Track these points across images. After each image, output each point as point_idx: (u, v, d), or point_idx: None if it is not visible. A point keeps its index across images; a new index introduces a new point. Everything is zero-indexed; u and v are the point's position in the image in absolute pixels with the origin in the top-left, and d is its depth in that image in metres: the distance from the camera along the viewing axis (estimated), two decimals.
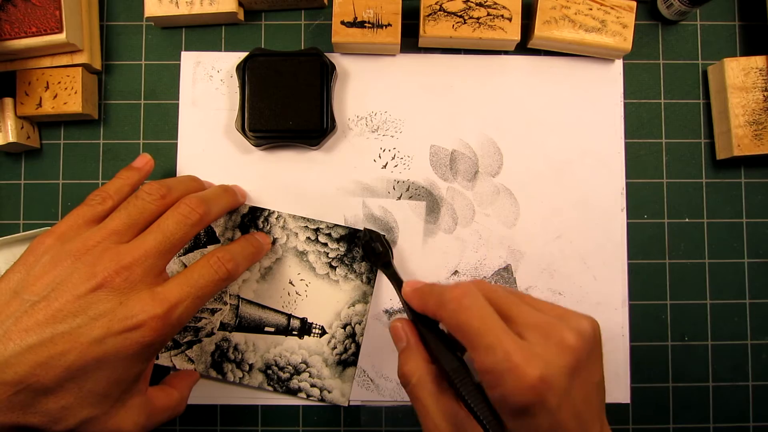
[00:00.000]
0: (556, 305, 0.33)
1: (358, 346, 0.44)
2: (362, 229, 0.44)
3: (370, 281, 0.44)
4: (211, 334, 0.44)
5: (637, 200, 0.46)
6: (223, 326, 0.44)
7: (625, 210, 0.45)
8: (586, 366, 0.31)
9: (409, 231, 0.45)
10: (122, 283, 0.33)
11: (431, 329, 0.35)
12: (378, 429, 0.45)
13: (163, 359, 0.44)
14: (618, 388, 0.45)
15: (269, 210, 0.45)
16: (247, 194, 0.45)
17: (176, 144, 0.45)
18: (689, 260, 0.46)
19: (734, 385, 0.45)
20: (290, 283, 0.44)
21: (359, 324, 0.44)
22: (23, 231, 0.45)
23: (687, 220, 0.46)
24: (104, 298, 0.32)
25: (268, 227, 0.45)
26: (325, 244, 0.44)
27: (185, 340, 0.44)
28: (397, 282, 0.41)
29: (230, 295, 0.44)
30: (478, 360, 0.30)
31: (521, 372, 0.28)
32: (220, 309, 0.44)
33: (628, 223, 0.46)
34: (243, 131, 0.43)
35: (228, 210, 0.42)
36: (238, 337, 0.44)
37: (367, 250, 0.43)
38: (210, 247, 0.44)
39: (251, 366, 0.44)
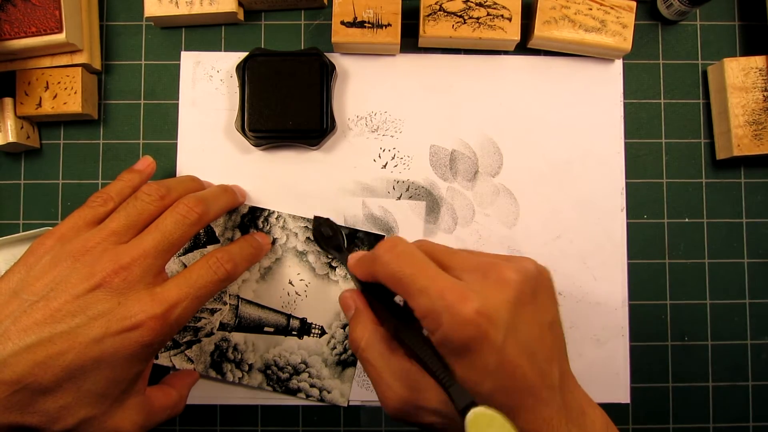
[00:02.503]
0: (500, 254, 0.33)
1: None
2: (313, 217, 0.44)
3: None
4: (210, 334, 0.44)
5: (637, 200, 0.46)
6: (223, 326, 0.44)
7: (624, 210, 0.45)
8: (531, 302, 0.30)
9: (409, 231, 0.45)
10: (121, 283, 0.33)
11: (379, 296, 0.35)
12: (378, 429, 0.45)
13: (163, 359, 0.44)
14: (618, 388, 0.45)
15: (269, 210, 0.45)
16: (246, 194, 0.45)
17: (176, 144, 0.45)
18: (689, 260, 0.46)
19: (734, 385, 0.45)
20: (290, 283, 0.44)
21: None
22: (23, 231, 0.45)
23: (687, 220, 0.46)
24: (103, 298, 0.32)
25: (268, 227, 0.44)
26: None
27: (184, 339, 0.44)
28: (345, 262, 0.40)
29: (230, 295, 0.44)
30: (416, 305, 0.29)
31: (457, 307, 0.28)
32: (220, 309, 0.44)
33: (628, 223, 0.46)
34: (243, 131, 0.43)
35: (227, 210, 0.42)
36: (237, 337, 0.44)
37: (317, 236, 0.43)
38: (210, 247, 0.44)
39: (251, 366, 0.44)
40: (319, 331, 0.44)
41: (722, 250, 0.46)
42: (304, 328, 0.44)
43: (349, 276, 0.38)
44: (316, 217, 0.44)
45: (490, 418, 0.26)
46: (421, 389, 0.31)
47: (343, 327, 0.44)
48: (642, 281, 0.45)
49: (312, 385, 0.44)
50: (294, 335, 0.44)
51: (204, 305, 0.44)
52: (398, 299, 0.35)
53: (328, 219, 0.44)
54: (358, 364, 0.44)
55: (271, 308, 0.44)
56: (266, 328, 0.44)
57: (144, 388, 0.36)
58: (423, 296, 0.29)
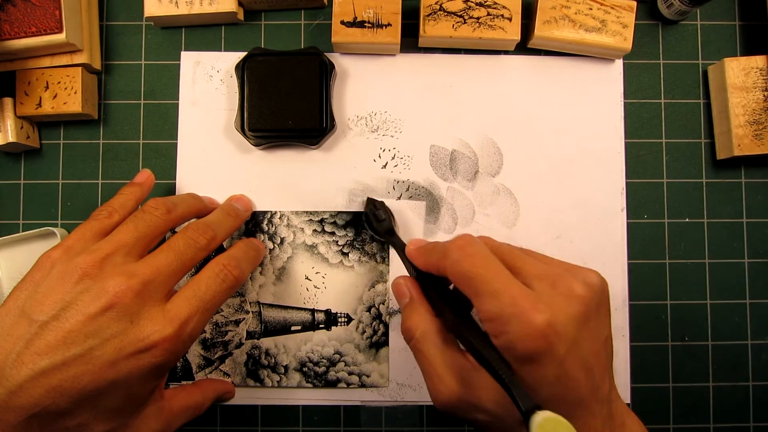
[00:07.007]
0: (562, 261, 0.33)
1: (386, 326, 0.44)
2: (365, 199, 0.44)
3: (384, 260, 0.44)
4: (240, 345, 0.44)
5: (637, 200, 0.46)
6: (250, 334, 0.44)
7: (625, 210, 0.45)
8: (595, 318, 0.30)
9: (409, 231, 0.45)
10: (133, 300, 0.32)
11: (436, 286, 0.35)
12: (378, 429, 0.45)
13: (199, 378, 0.44)
14: (618, 388, 0.45)
15: (271, 211, 0.45)
16: (253, 205, 0.44)
17: (176, 144, 0.45)
18: (689, 260, 0.46)
19: (734, 385, 0.45)
20: (306, 278, 0.44)
21: (383, 304, 0.44)
22: (23, 231, 0.45)
23: (687, 220, 0.46)
24: (115, 317, 0.32)
25: (273, 228, 0.44)
26: (333, 233, 0.44)
27: (216, 356, 0.44)
28: (400, 247, 0.39)
29: (250, 302, 0.44)
30: (484, 307, 0.29)
31: (528, 317, 0.28)
32: (244, 318, 0.44)
33: (628, 223, 0.45)
34: (242, 131, 0.43)
35: (232, 232, 0.42)
36: (267, 343, 0.44)
37: (370, 220, 0.43)
38: None
39: (286, 367, 0.44)
40: (346, 319, 0.44)
41: (722, 250, 0.46)
42: (331, 319, 0.44)
43: (402, 261, 0.38)
44: (369, 200, 0.43)
45: (557, 423, 0.26)
46: (476, 386, 0.31)
47: (368, 309, 0.44)
48: (642, 281, 0.45)
49: (350, 373, 0.44)
50: (322, 328, 0.44)
51: (219, 313, 0.44)
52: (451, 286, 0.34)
53: (383, 202, 0.43)
54: (391, 342, 0.44)
55: (294, 306, 0.44)
56: (293, 328, 0.44)
57: (161, 395, 0.36)
58: (494, 299, 0.29)
